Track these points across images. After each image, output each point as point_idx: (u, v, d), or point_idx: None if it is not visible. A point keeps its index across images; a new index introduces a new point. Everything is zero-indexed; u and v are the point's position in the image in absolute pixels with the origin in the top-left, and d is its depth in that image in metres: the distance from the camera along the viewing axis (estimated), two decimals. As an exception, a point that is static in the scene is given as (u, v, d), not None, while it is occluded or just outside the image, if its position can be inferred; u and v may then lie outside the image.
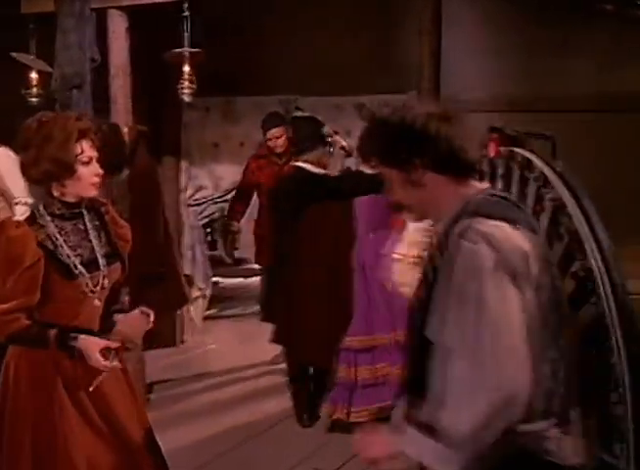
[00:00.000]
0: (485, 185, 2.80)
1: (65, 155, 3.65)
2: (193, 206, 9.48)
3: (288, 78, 8.99)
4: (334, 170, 6.80)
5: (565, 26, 7.93)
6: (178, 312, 8.91)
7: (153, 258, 6.76)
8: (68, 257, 3.73)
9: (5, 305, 3.62)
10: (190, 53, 7.02)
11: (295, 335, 6.34)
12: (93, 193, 3.81)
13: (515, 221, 2.55)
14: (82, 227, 3.84)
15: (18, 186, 7.10)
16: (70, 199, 3.78)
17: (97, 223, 3.92)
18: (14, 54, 7.78)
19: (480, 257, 2.44)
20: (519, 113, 7.62)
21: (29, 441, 3.74)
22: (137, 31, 7.10)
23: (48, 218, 3.74)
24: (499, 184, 3.66)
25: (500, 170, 3.64)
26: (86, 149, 3.73)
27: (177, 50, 7.03)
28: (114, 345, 3.71)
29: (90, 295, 3.78)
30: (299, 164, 6.69)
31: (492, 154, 3.74)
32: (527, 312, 2.45)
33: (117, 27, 6.92)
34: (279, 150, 8.03)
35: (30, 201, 7.04)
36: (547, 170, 3.34)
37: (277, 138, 8.02)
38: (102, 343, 3.68)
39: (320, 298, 6.25)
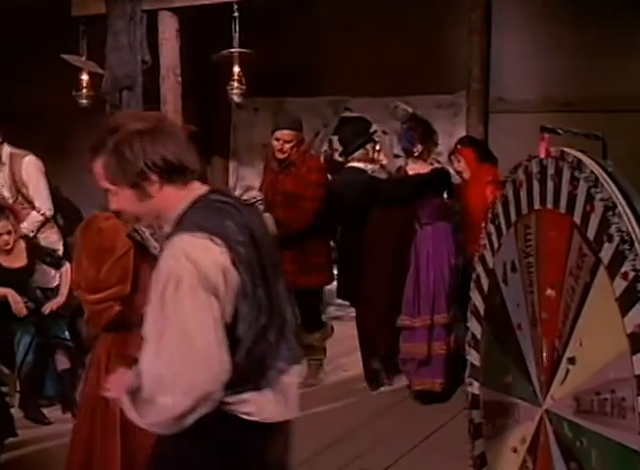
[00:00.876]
0: (205, 188, 2.90)
1: None
2: (241, 206, 9.49)
3: (338, 79, 9.01)
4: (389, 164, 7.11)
5: (615, 26, 7.86)
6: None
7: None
8: (155, 248, 3.77)
9: (99, 295, 3.73)
10: (239, 53, 7.05)
11: (366, 317, 7.04)
12: None
13: (218, 233, 2.69)
14: None
15: (41, 196, 7.23)
16: None
17: None
18: (65, 56, 7.85)
19: (179, 273, 2.63)
20: (569, 113, 7.58)
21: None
22: (187, 32, 7.14)
23: None
24: (549, 184, 3.63)
25: (550, 171, 3.61)
26: None
27: (226, 50, 7.06)
28: None
29: None
30: (353, 164, 6.94)
31: (543, 154, 3.71)
32: (227, 318, 2.67)
33: (168, 29, 6.97)
34: (280, 156, 6.83)
35: (49, 213, 7.21)
36: (598, 170, 3.32)
37: (285, 142, 6.77)
38: None
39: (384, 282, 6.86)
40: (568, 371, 3.45)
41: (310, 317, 6.69)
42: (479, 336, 4.31)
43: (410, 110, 6.89)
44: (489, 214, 4.23)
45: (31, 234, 7.14)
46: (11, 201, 7.04)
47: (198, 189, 2.86)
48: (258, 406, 2.80)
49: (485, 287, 4.25)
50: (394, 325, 6.71)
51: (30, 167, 7.13)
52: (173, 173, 2.79)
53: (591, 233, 3.27)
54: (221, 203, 2.84)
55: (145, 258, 3.79)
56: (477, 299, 4.35)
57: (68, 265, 6.96)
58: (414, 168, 6.66)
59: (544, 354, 3.62)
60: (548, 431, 3.64)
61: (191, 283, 2.61)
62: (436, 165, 7.01)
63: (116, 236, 3.75)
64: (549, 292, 3.58)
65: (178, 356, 2.61)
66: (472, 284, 4.42)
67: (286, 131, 6.81)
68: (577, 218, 3.36)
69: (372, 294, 6.89)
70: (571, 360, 3.41)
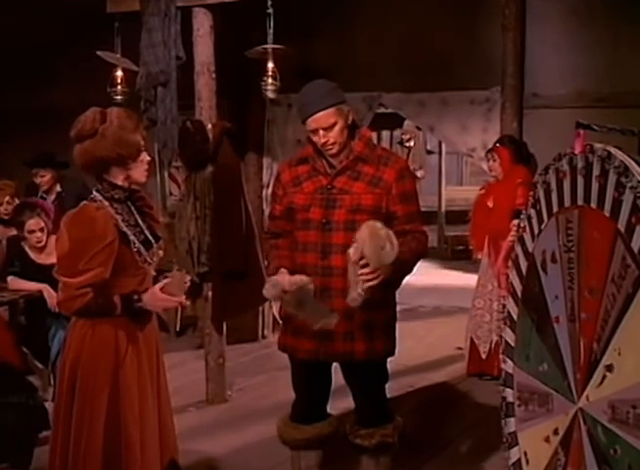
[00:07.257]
0: None
1: (135, 138, 4.00)
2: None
3: (372, 75, 8.99)
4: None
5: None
6: (260, 308, 8.97)
7: (235, 255, 6.80)
8: (133, 234, 4.03)
9: (77, 279, 3.87)
10: (273, 50, 7.05)
11: None
12: (145, 179, 4.13)
13: None
14: (130, 209, 4.14)
15: None
16: (124, 184, 4.06)
17: (138, 204, 4.20)
18: (99, 52, 7.89)
19: None
20: (604, 109, 7.52)
21: (103, 419, 4.00)
22: (222, 29, 7.15)
23: (107, 203, 4.01)
24: (595, 185, 3.56)
25: (596, 171, 3.55)
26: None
27: (261, 47, 7.06)
28: (167, 281, 3.97)
29: (147, 266, 4.11)
30: None
31: (578, 150, 3.68)
32: None
33: (202, 25, 6.98)
34: (331, 150, 4.47)
35: None
36: (628, 160, 3.28)
37: (325, 129, 4.41)
38: (158, 286, 3.95)
39: None
40: (604, 377, 3.40)
41: (377, 403, 4.86)
42: (515, 317, 4.29)
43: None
44: (530, 198, 4.20)
45: None
46: None
47: None
48: None
49: (524, 269, 4.23)
50: None
51: None
52: None
53: (636, 245, 3.18)
54: None
55: (125, 245, 3.97)
56: (514, 279, 4.34)
57: None
58: None
59: (581, 353, 3.59)
60: (582, 430, 3.61)
61: None
62: None
63: (106, 225, 3.91)
64: (589, 294, 3.54)
65: None
66: (510, 263, 4.43)
67: (320, 114, 4.40)
68: (622, 227, 3.28)
69: None
70: (609, 368, 3.36)
